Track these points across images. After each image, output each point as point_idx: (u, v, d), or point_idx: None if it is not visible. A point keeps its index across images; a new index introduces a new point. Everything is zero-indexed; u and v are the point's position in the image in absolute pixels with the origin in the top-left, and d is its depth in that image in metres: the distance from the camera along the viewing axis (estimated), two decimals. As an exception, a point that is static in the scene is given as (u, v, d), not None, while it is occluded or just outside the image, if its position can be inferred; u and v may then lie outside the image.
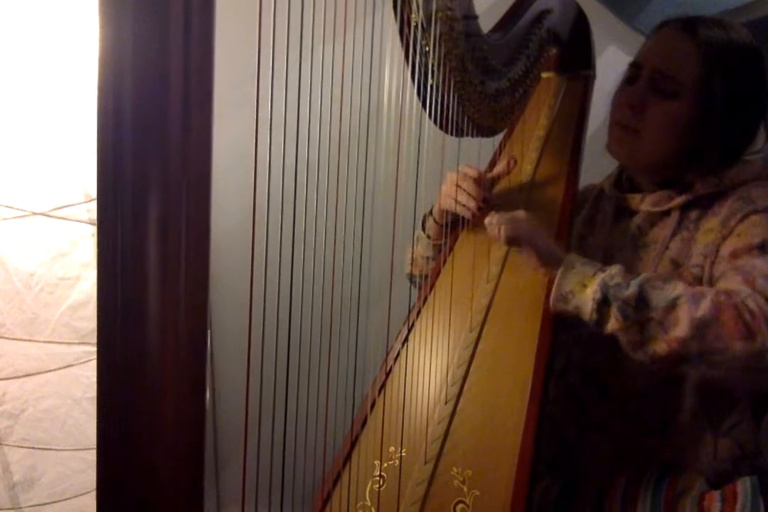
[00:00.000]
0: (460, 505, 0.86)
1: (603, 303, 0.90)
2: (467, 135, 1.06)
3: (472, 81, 1.00)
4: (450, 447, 0.92)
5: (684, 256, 1.05)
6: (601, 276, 0.92)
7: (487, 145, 1.22)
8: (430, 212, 1.24)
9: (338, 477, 0.93)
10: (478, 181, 1.15)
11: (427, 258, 1.26)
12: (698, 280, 1.03)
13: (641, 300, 0.88)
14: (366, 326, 0.95)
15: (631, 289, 0.89)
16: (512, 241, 1.01)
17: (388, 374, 1.04)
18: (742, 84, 1.06)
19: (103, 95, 0.47)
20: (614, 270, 0.93)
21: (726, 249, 1.00)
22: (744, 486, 1.04)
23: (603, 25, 1.48)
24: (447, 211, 1.17)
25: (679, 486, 1.04)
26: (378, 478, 0.92)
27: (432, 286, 1.13)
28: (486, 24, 1.04)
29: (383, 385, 1.02)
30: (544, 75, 1.33)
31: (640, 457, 1.06)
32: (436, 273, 1.15)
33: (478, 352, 1.02)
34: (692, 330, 0.86)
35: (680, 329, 0.86)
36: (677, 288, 0.90)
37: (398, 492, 0.89)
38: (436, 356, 1.03)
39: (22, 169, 1.30)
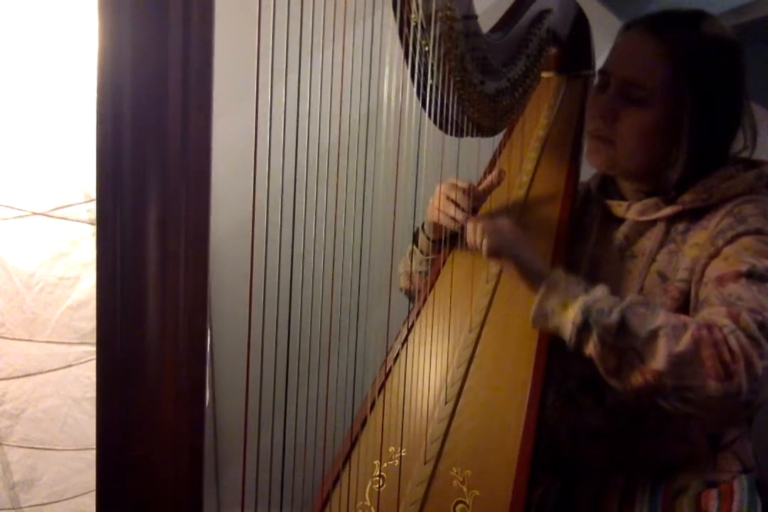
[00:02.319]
0: (460, 505, 0.86)
1: (583, 328, 0.87)
2: (467, 135, 1.06)
3: (472, 81, 1.00)
4: (450, 448, 0.92)
5: (671, 269, 1.02)
6: (584, 298, 0.89)
7: (487, 144, 1.21)
8: (422, 226, 1.20)
9: (338, 477, 0.93)
10: (468, 191, 1.11)
11: (422, 272, 1.22)
12: (684, 295, 1.00)
13: (622, 328, 0.86)
14: (366, 326, 0.95)
15: (613, 317, 0.86)
16: (493, 254, 0.99)
17: (387, 374, 1.04)
18: (716, 82, 1.01)
19: (102, 95, 0.47)
20: (598, 293, 0.90)
21: (713, 272, 0.96)
22: (741, 484, 1.04)
23: (603, 25, 1.48)
24: (439, 227, 1.14)
25: (676, 485, 1.04)
26: (378, 478, 0.92)
27: (432, 286, 1.13)
28: (486, 24, 1.04)
29: (383, 385, 1.02)
30: (544, 75, 1.33)
31: (639, 463, 1.06)
32: (436, 273, 1.15)
33: (477, 352, 1.02)
34: (669, 365, 0.83)
35: (657, 362, 0.84)
36: (659, 318, 0.86)
37: (398, 492, 0.89)
38: (436, 356, 1.03)
39: (22, 169, 1.30)
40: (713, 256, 0.97)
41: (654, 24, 1.04)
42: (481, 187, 1.14)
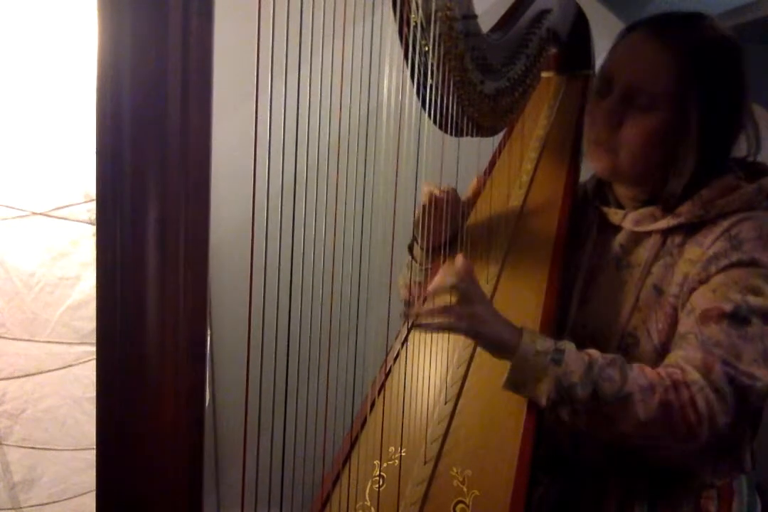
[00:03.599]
0: (460, 505, 0.86)
1: (558, 402, 0.89)
2: (467, 135, 1.06)
3: (472, 80, 1.00)
4: (450, 447, 0.92)
5: (666, 283, 1.01)
6: (555, 373, 0.88)
7: (487, 144, 1.21)
8: (414, 237, 1.19)
9: (338, 477, 0.93)
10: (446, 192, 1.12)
11: (419, 283, 1.19)
12: (676, 310, 0.99)
13: (594, 398, 0.88)
14: (365, 326, 0.94)
15: (586, 389, 0.88)
16: (456, 333, 0.95)
17: (387, 374, 1.03)
18: (721, 84, 0.99)
19: (102, 94, 0.47)
20: (569, 361, 0.89)
21: (698, 301, 0.94)
22: (740, 484, 1.04)
23: (603, 25, 1.48)
24: (431, 234, 1.12)
25: (676, 486, 1.04)
26: (378, 478, 0.92)
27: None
28: (486, 24, 1.04)
29: (383, 385, 1.02)
30: (544, 74, 1.33)
31: (638, 463, 1.05)
32: (435, 274, 1.15)
33: (477, 352, 1.02)
34: (636, 429, 0.88)
35: (626, 426, 0.88)
36: (629, 383, 0.87)
37: (398, 492, 0.89)
38: (436, 356, 1.03)
39: (22, 169, 1.30)
40: (702, 282, 0.96)
41: (656, 27, 1.02)
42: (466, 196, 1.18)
